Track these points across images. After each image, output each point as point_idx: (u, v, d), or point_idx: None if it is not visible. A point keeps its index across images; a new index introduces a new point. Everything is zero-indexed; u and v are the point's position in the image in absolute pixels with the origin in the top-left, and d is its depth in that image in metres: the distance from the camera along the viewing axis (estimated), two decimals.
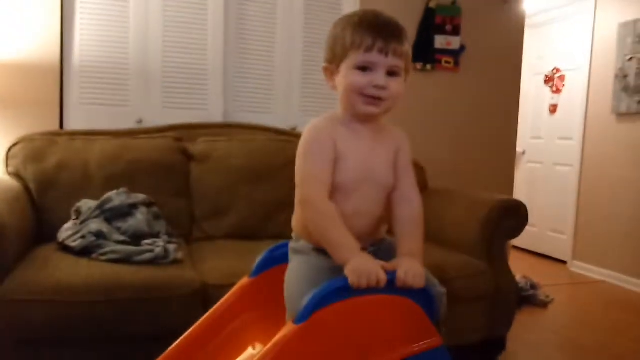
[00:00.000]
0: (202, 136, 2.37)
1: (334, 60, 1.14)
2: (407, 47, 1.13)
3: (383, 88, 1.10)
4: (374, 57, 1.09)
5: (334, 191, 1.14)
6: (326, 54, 1.17)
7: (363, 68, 1.10)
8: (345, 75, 1.12)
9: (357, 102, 1.12)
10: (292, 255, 1.23)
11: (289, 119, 2.76)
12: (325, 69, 1.18)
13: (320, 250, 1.14)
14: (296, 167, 1.16)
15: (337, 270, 1.05)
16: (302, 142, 1.16)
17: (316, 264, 1.15)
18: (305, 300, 0.98)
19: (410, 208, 1.19)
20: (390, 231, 1.22)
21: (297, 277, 1.17)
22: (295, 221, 1.24)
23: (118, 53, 2.43)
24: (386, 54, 1.09)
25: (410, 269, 1.06)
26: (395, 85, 1.12)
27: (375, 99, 1.11)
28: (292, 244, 1.24)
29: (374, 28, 1.09)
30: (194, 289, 1.61)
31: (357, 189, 1.16)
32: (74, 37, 2.36)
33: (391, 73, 1.11)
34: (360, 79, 1.10)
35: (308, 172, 1.13)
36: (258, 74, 2.70)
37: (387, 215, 1.22)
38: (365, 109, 1.13)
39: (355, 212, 1.16)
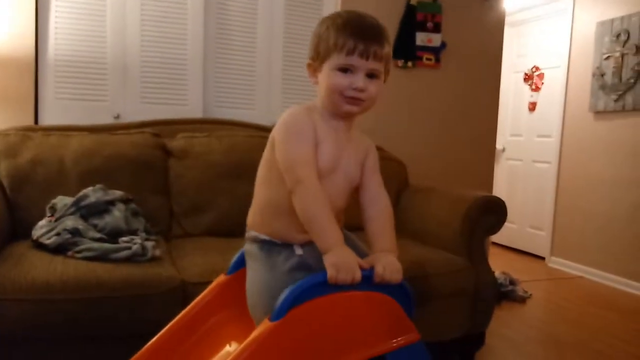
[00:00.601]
0: (181, 132, 2.34)
1: (317, 58, 1.18)
2: (387, 50, 1.18)
3: (362, 90, 1.15)
4: (355, 60, 1.13)
5: (319, 172, 1.17)
6: (310, 51, 1.21)
7: (344, 69, 1.14)
8: (327, 75, 1.16)
9: (338, 102, 1.17)
10: (248, 261, 1.24)
11: (269, 115, 2.75)
12: (309, 66, 1.22)
13: (271, 244, 1.18)
14: (278, 153, 1.17)
15: (293, 271, 1.09)
16: (282, 128, 1.18)
17: (272, 269, 1.16)
18: (281, 298, 0.97)
19: (379, 207, 1.25)
20: (361, 229, 1.25)
21: (258, 289, 1.17)
22: (251, 214, 1.30)
23: (95, 47, 2.39)
24: (366, 58, 1.13)
25: (388, 264, 1.08)
26: (374, 87, 1.17)
27: (355, 100, 1.16)
28: (246, 246, 1.26)
29: (357, 31, 1.13)
30: (172, 286, 1.59)
31: (328, 176, 1.20)
32: (49, 30, 2.31)
33: (370, 75, 1.16)
34: (342, 80, 1.15)
35: (297, 155, 1.14)
36: (238, 70, 2.68)
37: (346, 209, 1.28)
38: (346, 108, 1.18)
39: (334, 193, 1.21)
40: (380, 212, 1.24)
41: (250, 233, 1.25)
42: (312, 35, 1.21)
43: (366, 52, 1.13)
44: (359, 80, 1.14)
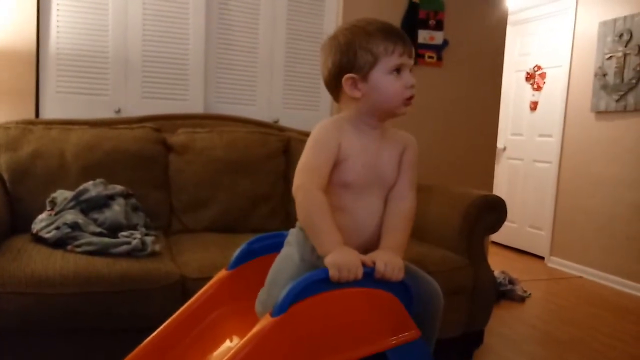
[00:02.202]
0: (182, 127, 2.34)
1: (360, 70, 1.17)
2: None
3: (413, 86, 1.19)
4: (405, 59, 1.17)
5: (343, 190, 1.18)
6: (343, 65, 1.18)
7: (397, 70, 1.17)
8: (382, 81, 1.17)
9: (397, 105, 1.19)
10: (285, 245, 1.25)
11: (271, 112, 2.75)
12: (350, 79, 1.18)
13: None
14: (301, 155, 1.19)
15: (316, 264, 1.07)
16: (309, 139, 1.19)
17: (299, 256, 1.17)
18: (282, 293, 0.97)
19: (401, 204, 1.22)
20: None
21: (278, 268, 1.20)
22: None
23: (96, 41, 2.39)
24: (410, 56, 1.19)
25: (390, 261, 1.07)
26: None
27: (411, 99, 1.21)
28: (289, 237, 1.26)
29: (398, 34, 1.18)
30: (172, 281, 1.59)
31: (365, 189, 1.20)
32: (51, 24, 2.31)
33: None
34: (397, 82, 1.17)
35: (306, 163, 1.15)
36: (240, 66, 2.68)
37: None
38: (403, 110, 1.21)
39: (368, 212, 1.19)
40: (398, 210, 1.21)
41: (294, 233, 1.25)
42: (339, 50, 1.18)
43: (410, 51, 1.19)
44: (411, 77, 1.19)
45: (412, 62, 1.19)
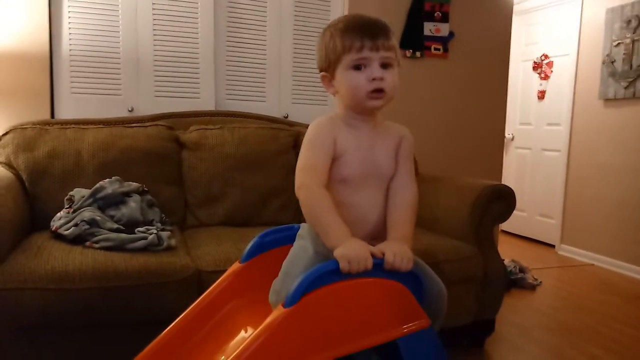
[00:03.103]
0: (194, 124, 2.38)
1: (328, 68, 1.20)
2: (394, 42, 1.18)
3: (380, 79, 1.15)
4: (366, 53, 1.14)
5: (342, 185, 1.20)
6: (320, 63, 1.22)
7: (357, 67, 1.16)
8: (343, 77, 1.17)
9: (362, 100, 1.17)
10: (296, 240, 1.29)
11: (281, 108, 2.78)
12: (323, 77, 1.23)
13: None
14: (299, 156, 1.22)
15: (326, 256, 1.10)
16: (304, 139, 1.22)
17: (313, 248, 1.21)
18: (294, 285, 1.00)
19: (404, 195, 1.25)
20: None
21: (292, 259, 1.24)
22: None
23: (108, 42, 2.43)
24: (377, 50, 1.14)
25: (399, 252, 1.10)
26: (391, 75, 1.17)
27: (377, 92, 1.16)
28: (301, 230, 1.30)
29: (360, 29, 1.15)
30: (187, 275, 1.63)
31: (364, 182, 1.22)
32: (63, 26, 2.35)
33: (384, 65, 1.17)
34: (359, 77, 1.16)
35: (305, 161, 1.19)
36: (249, 63, 2.71)
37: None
38: (371, 104, 1.18)
39: (368, 205, 1.23)
40: (402, 201, 1.24)
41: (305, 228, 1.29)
42: (318, 48, 1.22)
43: (375, 44, 1.14)
44: (375, 70, 1.15)
45: (379, 54, 1.15)
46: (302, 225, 1.29)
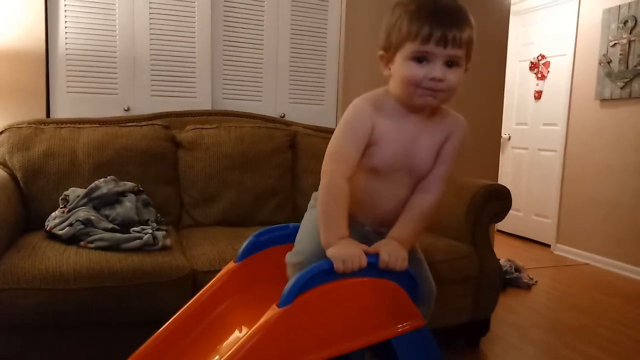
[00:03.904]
0: (191, 124, 2.38)
1: (389, 49, 1.10)
2: (469, 33, 1.07)
3: (440, 80, 1.06)
4: (431, 48, 1.04)
5: (368, 172, 1.17)
6: (381, 41, 1.12)
7: (419, 59, 1.06)
8: (401, 66, 1.08)
9: (413, 94, 1.09)
10: (309, 208, 1.30)
11: (277, 107, 2.78)
12: (381, 57, 1.13)
13: None
14: (332, 136, 1.17)
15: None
16: (343, 117, 1.16)
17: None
18: (288, 285, 1.00)
19: (423, 197, 1.19)
20: None
21: (310, 227, 1.23)
22: None
23: (105, 41, 2.42)
24: (444, 45, 1.03)
25: (394, 251, 1.09)
26: (454, 76, 1.08)
27: (433, 91, 1.07)
28: (312, 201, 1.32)
29: (432, 16, 1.03)
30: (183, 274, 1.63)
31: (391, 175, 1.17)
32: (59, 25, 2.35)
33: (449, 63, 1.07)
34: (417, 71, 1.06)
35: (337, 149, 1.14)
36: (246, 62, 2.70)
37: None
38: (422, 101, 1.09)
39: (387, 196, 1.20)
40: (418, 203, 1.18)
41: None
42: (383, 25, 1.11)
43: (444, 38, 1.02)
44: (437, 69, 1.05)
45: (446, 51, 1.04)
46: (314, 195, 1.29)
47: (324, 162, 1.15)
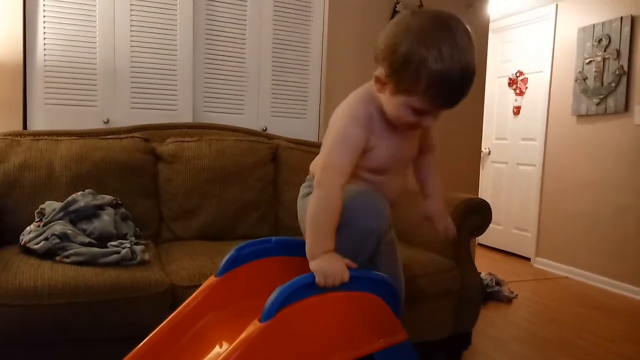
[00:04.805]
0: (171, 136, 2.35)
1: (394, 83, 1.08)
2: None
3: (428, 125, 1.18)
4: (437, 110, 1.13)
5: (371, 171, 1.27)
6: (386, 66, 1.08)
7: (417, 111, 1.12)
8: (397, 106, 1.12)
9: (400, 125, 1.19)
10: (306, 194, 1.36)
11: (259, 120, 2.77)
12: (378, 80, 1.13)
13: None
14: (325, 139, 1.21)
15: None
16: (339, 124, 1.19)
17: None
18: (270, 299, 0.99)
19: (430, 157, 1.46)
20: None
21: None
22: (313, 166, 1.37)
23: (84, 52, 2.39)
24: (447, 108, 1.13)
25: (449, 222, 1.45)
26: (438, 119, 1.18)
27: (418, 127, 1.20)
28: (307, 184, 1.39)
29: (454, 92, 1.06)
30: (161, 289, 1.60)
31: (388, 169, 1.29)
32: (37, 36, 2.31)
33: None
34: (411, 118, 1.13)
35: (333, 160, 1.17)
36: (228, 75, 2.70)
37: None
38: (405, 131, 1.23)
39: (390, 185, 1.32)
40: (428, 162, 1.45)
41: (312, 176, 1.35)
42: (398, 51, 1.04)
43: (452, 105, 1.10)
44: (430, 120, 1.14)
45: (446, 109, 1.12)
46: (308, 178, 1.39)
47: (319, 172, 1.17)
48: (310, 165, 1.41)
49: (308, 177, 1.41)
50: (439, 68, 1.01)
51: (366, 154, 1.21)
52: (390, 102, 1.13)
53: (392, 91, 1.11)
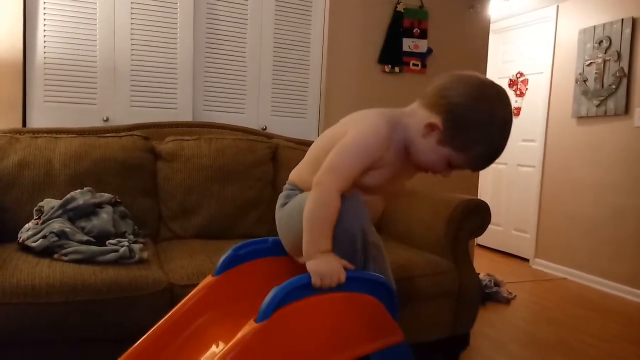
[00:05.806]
0: (171, 135, 2.35)
1: (448, 135, 1.16)
2: None
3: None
4: (469, 170, 1.24)
5: (362, 188, 1.24)
6: (447, 119, 1.16)
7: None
8: (440, 156, 1.20)
9: (423, 168, 1.27)
10: (283, 200, 1.33)
11: (259, 119, 2.77)
12: (432, 127, 1.18)
13: None
14: (339, 144, 1.19)
15: None
16: (362, 133, 1.20)
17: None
18: (266, 300, 0.98)
19: None
20: None
21: (290, 211, 1.28)
22: (301, 173, 1.33)
23: (84, 50, 2.40)
24: (475, 170, 1.25)
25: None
26: None
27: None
28: (285, 193, 1.35)
29: (491, 163, 1.22)
30: (160, 288, 1.59)
31: (380, 191, 1.31)
32: (37, 33, 2.32)
33: None
34: (442, 168, 1.22)
35: (341, 165, 1.17)
36: (228, 74, 2.70)
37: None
38: (418, 170, 1.30)
39: (374, 200, 1.30)
40: None
41: (294, 186, 1.33)
42: (468, 115, 1.14)
43: (483, 168, 1.25)
44: (450, 172, 1.24)
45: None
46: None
47: (323, 172, 1.16)
48: (291, 174, 1.38)
49: (286, 186, 1.38)
50: (496, 146, 1.17)
51: (368, 171, 1.21)
52: (432, 149, 1.19)
53: (441, 141, 1.17)
